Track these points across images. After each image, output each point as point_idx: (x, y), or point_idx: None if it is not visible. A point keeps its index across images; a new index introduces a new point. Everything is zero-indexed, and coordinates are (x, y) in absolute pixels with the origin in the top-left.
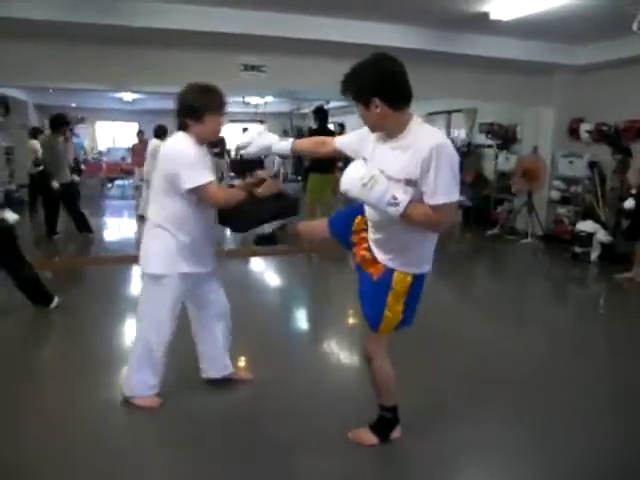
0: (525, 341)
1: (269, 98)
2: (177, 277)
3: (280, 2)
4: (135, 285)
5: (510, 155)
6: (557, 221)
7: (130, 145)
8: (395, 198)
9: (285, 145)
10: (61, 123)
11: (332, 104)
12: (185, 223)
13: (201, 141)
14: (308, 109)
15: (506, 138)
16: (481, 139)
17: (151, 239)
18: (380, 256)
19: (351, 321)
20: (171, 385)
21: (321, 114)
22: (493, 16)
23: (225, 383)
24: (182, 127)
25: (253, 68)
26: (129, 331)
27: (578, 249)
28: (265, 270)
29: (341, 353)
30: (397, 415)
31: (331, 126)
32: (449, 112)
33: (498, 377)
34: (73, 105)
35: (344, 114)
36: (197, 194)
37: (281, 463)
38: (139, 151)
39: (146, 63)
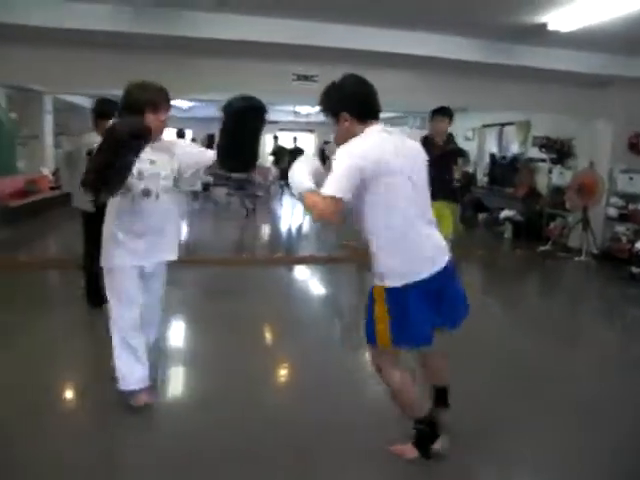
0: (577, 363)
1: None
2: (120, 270)
3: (333, 13)
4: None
5: (565, 170)
6: (614, 239)
7: None
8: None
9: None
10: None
11: (383, 115)
12: (121, 216)
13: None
14: None
15: (561, 152)
16: (534, 153)
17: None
18: None
19: None
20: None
21: None
22: (551, 27)
23: None
24: None
25: (305, 78)
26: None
27: (636, 269)
28: (309, 279)
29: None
30: (434, 428)
31: None
32: (502, 125)
33: (550, 397)
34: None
35: (394, 125)
36: None
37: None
38: None
39: (201, 72)
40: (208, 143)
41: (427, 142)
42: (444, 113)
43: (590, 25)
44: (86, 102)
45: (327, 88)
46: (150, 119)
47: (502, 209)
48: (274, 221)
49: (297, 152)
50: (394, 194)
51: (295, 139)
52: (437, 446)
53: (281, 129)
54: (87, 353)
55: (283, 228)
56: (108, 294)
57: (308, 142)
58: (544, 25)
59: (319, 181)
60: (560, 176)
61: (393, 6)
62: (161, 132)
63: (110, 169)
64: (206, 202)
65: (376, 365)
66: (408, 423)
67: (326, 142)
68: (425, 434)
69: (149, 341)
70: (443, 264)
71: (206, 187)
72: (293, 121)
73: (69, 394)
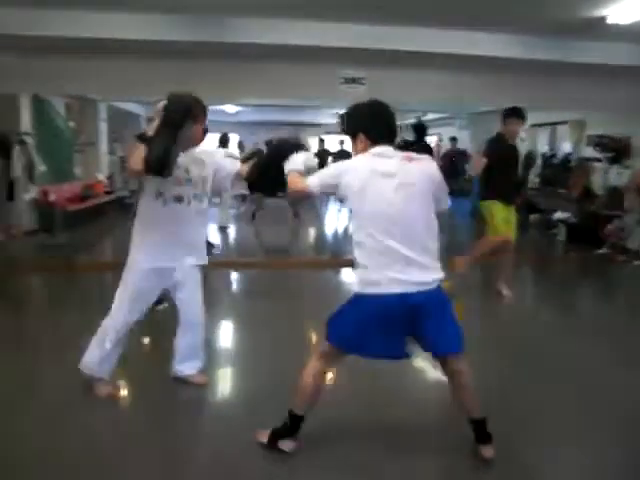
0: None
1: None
2: (139, 271)
3: (379, 15)
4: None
5: (622, 169)
6: None
7: None
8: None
9: None
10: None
11: (430, 116)
12: (150, 221)
13: (183, 147)
14: (403, 121)
15: (618, 151)
16: (589, 152)
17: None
18: None
19: None
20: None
21: (419, 129)
22: (610, 20)
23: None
24: None
25: (353, 81)
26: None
27: None
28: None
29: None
30: (294, 430)
31: (429, 139)
32: (554, 124)
33: (607, 410)
34: None
35: (441, 126)
36: (136, 177)
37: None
38: None
39: (250, 77)
40: (221, 142)
41: (499, 139)
42: (519, 115)
43: None
44: (139, 109)
45: (349, 109)
46: (191, 128)
47: (555, 210)
48: (320, 224)
49: (342, 155)
50: (365, 212)
51: (342, 142)
52: (285, 447)
53: (327, 132)
54: (146, 350)
55: (328, 231)
56: (120, 290)
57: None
58: (603, 18)
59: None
60: (617, 176)
61: (444, 6)
62: (200, 141)
63: (169, 153)
64: (251, 205)
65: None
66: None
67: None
68: (284, 428)
69: (195, 341)
70: (414, 289)
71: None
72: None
73: (125, 391)
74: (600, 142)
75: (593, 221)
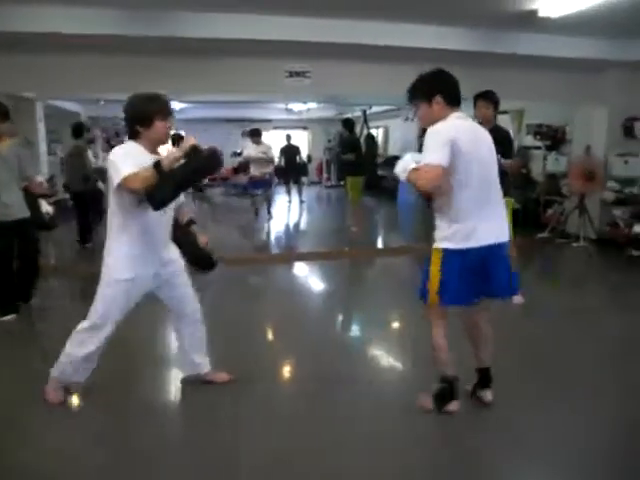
0: (576, 345)
1: (312, 104)
2: (124, 282)
3: (324, 8)
4: None
5: (560, 156)
6: (611, 224)
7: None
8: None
9: None
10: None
11: (375, 109)
12: (132, 228)
13: (153, 146)
14: (348, 114)
15: (555, 139)
16: (529, 140)
17: (107, 249)
18: None
19: None
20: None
21: (348, 124)
22: (542, 13)
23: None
24: (132, 135)
25: (298, 74)
26: None
27: (635, 252)
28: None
29: None
30: (453, 390)
31: (373, 131)
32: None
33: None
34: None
35: (387, 118)
36: (125, 190)
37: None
38: None
39: (193, 72)
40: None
41: None
42: (485, 97)
43: (581, 10)
44: (78, 108)
45: (422, 75)
46: (159, 127)
47: None
48: (276, 220)
49: (290, 150)
50: (469, 172)
51: (289, 137)
52: (452, 407)
53: (275, 127)
54: None
55: (283, 226)
56: (101, 302)
57: (302, 139)
58: (535, 12)
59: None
60: (555, 162)
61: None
62: (167, 139)
63: (176, 197)
64: (201, 203)
65: (429, 319)
66: None
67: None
68: (445, 392)
69: (202, 335)
70: (492, 241)
71: (200, 188)
72: (286, 119)
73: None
74: (539, 131)
75: (534, 207)
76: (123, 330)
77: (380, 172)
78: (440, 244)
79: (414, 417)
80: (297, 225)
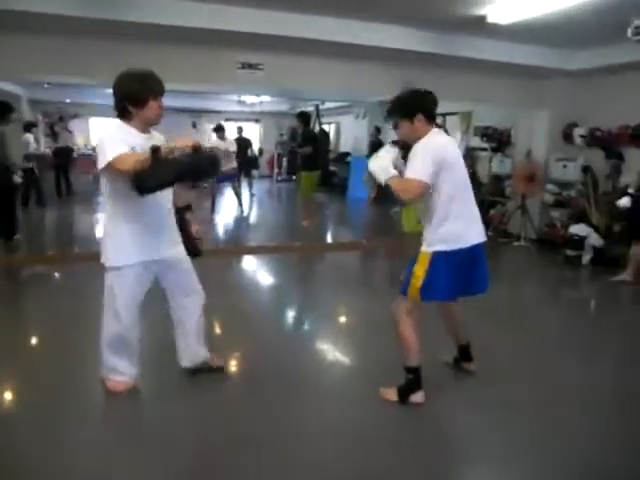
0: (515, 338)
1: (265, 97)
2: (129, 268)
3: (280, 1)
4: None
5: (505, 158)
6: (550, 224)
7: None
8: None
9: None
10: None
11: (328, 104)
12: (129, 210)
13: (144, 126)
14: (300, 109)
15: (500, 141)
16: (476, 142)
17: (105, 234)
18: None
19: None
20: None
21: (304, 117)
22: (490, 19)
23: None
24: (122, 115)
25: (250, 66)
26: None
27: (570, 252)
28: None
29: None
30: (418, 380)
31: (325, 127)
32: (444, 115)
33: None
34: (68, 100)
35: (339, 115)
36: (112, 172)
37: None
38: None
39: (141, 59)
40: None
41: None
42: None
43: (528, 18)
44: (19, 90)
45: (404, 93)
46: (153, 107)
47: None
48: (225, 213)
49: (242, 142)
50: (457, 181)
51: (240, 129)
52: (417, 399)
53: (227, 119)
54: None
55: (232, 219)
56: (112, 293)
57: (253, 132)
58: (483, 17)
59: (399, 169)
60: (500, 164)
61: None
62: (159, 119)
63: (174, 182)
64: None
65: (394, 311)
66: None
67: (394, 142)
68: (412, 383)
69: (197, 323)
70: (478, 241)
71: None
72: (238, 111)
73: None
74: (486, 133)
75: (479, 206)
76: None
77: (332, 168)
78: (431, 247)
79: (364, 407)
80: (247, 218)
